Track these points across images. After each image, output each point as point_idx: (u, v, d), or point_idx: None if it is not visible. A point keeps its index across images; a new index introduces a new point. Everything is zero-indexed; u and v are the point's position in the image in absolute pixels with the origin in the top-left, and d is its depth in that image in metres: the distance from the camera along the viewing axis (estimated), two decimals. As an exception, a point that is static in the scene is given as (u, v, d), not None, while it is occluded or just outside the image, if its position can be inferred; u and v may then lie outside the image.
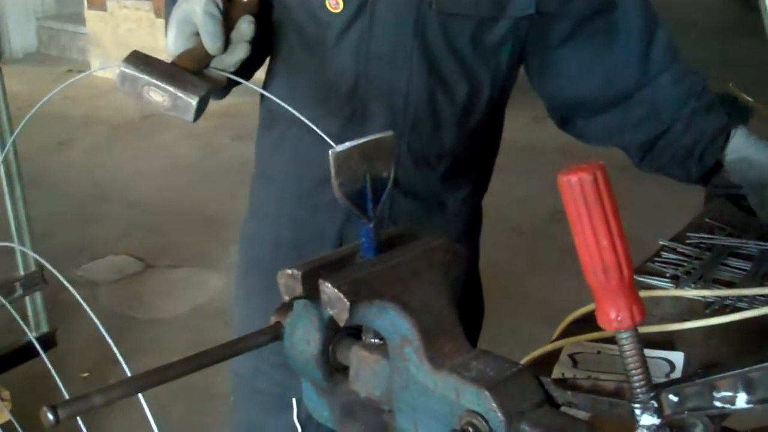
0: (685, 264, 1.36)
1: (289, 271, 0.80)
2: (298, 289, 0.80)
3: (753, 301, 1.20)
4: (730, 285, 1.28)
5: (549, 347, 1.11)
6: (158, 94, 0.98)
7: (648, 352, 1.12)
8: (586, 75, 1.32)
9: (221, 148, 5.52)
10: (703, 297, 1.24)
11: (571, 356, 1.11)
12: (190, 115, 0.98)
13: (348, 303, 0.75)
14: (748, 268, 1.34)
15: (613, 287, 0.59)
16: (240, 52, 1.08)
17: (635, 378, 0.61)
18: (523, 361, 1.10)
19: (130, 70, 0.97)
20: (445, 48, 1.24)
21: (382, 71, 1.24)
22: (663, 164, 1.39)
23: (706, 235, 1.45)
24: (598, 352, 1.12)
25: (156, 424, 0.78)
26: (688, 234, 1.46)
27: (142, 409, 0.78)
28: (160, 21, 6.11)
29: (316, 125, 1.28)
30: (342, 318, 0.76)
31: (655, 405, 0.61)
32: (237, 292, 1.48)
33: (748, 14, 4.99)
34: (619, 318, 0.60)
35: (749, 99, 1.42)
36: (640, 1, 1.31)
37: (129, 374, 0.75)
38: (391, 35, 1.22)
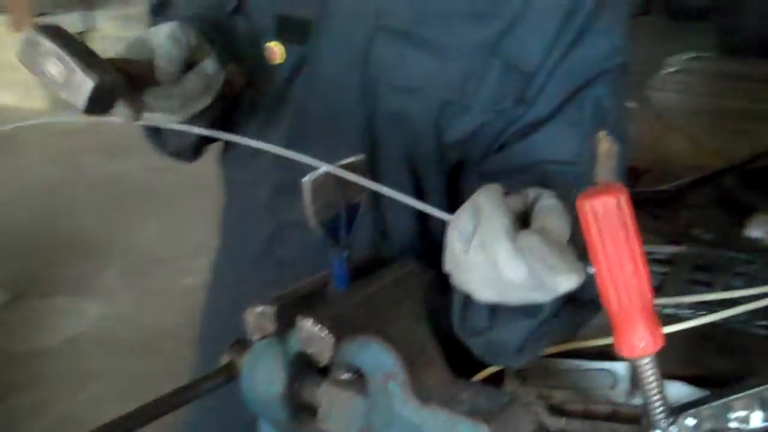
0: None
1: (259, 309, 0.75)
2: (270, 328, 0.75)
3: (689, 308, 1.23)
4: (655, 290, 1.31)
5: (495, 366, 1.09)
6: (56, 66, 0.81)
7: (589, 363, 1.14)
8: None
9: (88, 166, 5.29)
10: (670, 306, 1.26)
11: (517, 373, 1.09)
12: (82, 99, 0.80)
13: (332, 341, 0.71)
14: (664, 272, 1.38)
15: (637, 313, 0.58)
16: (192, 82, 0.94)
17: (656, 404, 0.60)
18: (473, 380, 1.08)
19: (37, 35, 0.81)
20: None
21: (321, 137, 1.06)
22: None
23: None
24: (546, 367, 1.11)
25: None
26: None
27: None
28: (15, 38, 5.83)
29: (246, 189, 1.20)
30: (324, 357, 0.72)
31: (672, 429, 0.60)
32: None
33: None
34: (642, 344, 0.58)
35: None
36: None
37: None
38: (331, 100, 1.05)
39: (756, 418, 0.60)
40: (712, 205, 1.73)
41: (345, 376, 0.78)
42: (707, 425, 0.61)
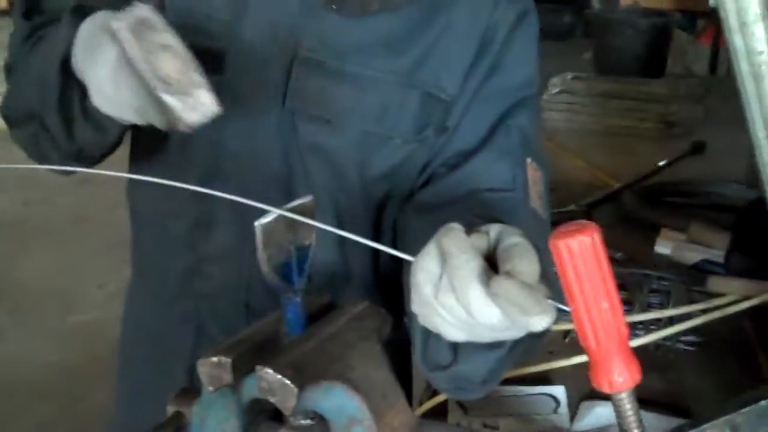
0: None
1: (215, 359, 0.72)
2: (227, 378, 0.72)
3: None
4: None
5: (439, 398, 1.08)
6: None
7: (530, 389, 1.15)
8: None
9: None
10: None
11: (458, 404, 1.09)
12: None
13: (296, 389, 0.68)
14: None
15: (613, 349, 0.58)
16: None
17: (633, 437, 0.60)
18: (416, 414, 1.07)
19: None
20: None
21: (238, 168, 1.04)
22: None
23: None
24: (486, 397, 1.11)
25: None
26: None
27: None
28: None
29: (160, 223, 1.15)
30: (288, 406, 0.69)
31: (654, 462, 0.60)
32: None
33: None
34: (620, 379, 0.58)
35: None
36: None
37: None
38: (248, 132, 1.03)
39: (728, 444, 0.62)
40: (617, 223, 1.78)
41: (303, 422, 0.76)
42: (683, 454, 0.62)
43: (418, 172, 1.03)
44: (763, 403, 0.61)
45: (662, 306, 1.36)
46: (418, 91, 0.99)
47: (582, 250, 0.56)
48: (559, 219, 1.73)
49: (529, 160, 1.01)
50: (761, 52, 0.54)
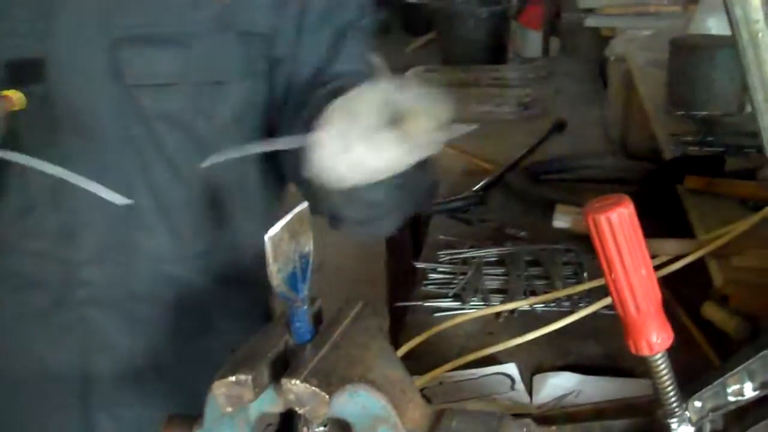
0: (454, 282, 1.43)
1: (233, 378, 0.70)
2: (248, 396, 0.70)
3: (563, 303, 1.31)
4: (502, 291, 1.39)
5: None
6: None
7: (482, 370, 1.17)
8: None
9: None
10: (532, 306, 1.34)
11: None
12: None
13: (327, 396, 0.68)
14: (502, 272, 1.45)
15: (652, 312, 0.61)
16: None
17: (670, 394, 0.64)
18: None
19: None
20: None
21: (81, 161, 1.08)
22: None
23: (454, 251, 1.54)
24: (441, 383, 1.13)
25: None
26: (438, 253, 1.54)
27: None
28: None
29: (19, 242, 1.15)
30: (320, 414, 0.69)
31: (688, 415, 0.64)
32: None
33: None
34: (659, 341, 0.61)
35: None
36: None
37: None
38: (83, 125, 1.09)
39: (748, 389, 0.67)
40: (510, 203, 1.84)
41: (319, 429, 0.75)
42: (710, 404, 0.66)
43: (266, 107, 1.15)
44: (772, 347, 0.66)
45: (577, 277, 1.43)
46: (234, 32, 1.09)
47: (621, 222, 0.59)
48: (458, 207, 1.78)
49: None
50: (757, 21, 0.59)
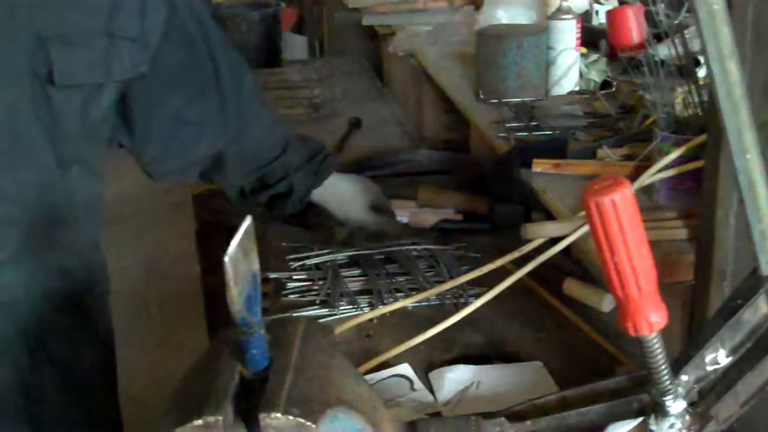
0: (315, 288, 1.38)
1: (200, 422, 0.62)
2: (220, 438, 0.62)
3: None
4: (367, 292, 1.35)
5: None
6: None
7: (378, 374, 1.14)
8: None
9: None
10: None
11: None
12: None
13: (313, 426, 0.62)
14: (359, 273, 1.42)
15: (651, 291, 0.60)
16: None
17: (663, 372, 0.63)
18: None
19: None
20: None
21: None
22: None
23: (302, 255, 1.49)
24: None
25: None
26: (288, 261, 1.48)
27: None
28: None
29: None
30: (307, 446, 0.62)
31: (681, 391, 0.64)
32: None
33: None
34: (657, 319, 0.61)
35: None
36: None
37: None
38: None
39: (722, 357, 0.68)
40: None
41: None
42: (692, 376, 0.67)
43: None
44: (736, 315, 0.69)
45: (436, 270, 1.42)
46: (108, 38, 1.14)
47: (624, 203, 0.57)
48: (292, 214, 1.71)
49: None
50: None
